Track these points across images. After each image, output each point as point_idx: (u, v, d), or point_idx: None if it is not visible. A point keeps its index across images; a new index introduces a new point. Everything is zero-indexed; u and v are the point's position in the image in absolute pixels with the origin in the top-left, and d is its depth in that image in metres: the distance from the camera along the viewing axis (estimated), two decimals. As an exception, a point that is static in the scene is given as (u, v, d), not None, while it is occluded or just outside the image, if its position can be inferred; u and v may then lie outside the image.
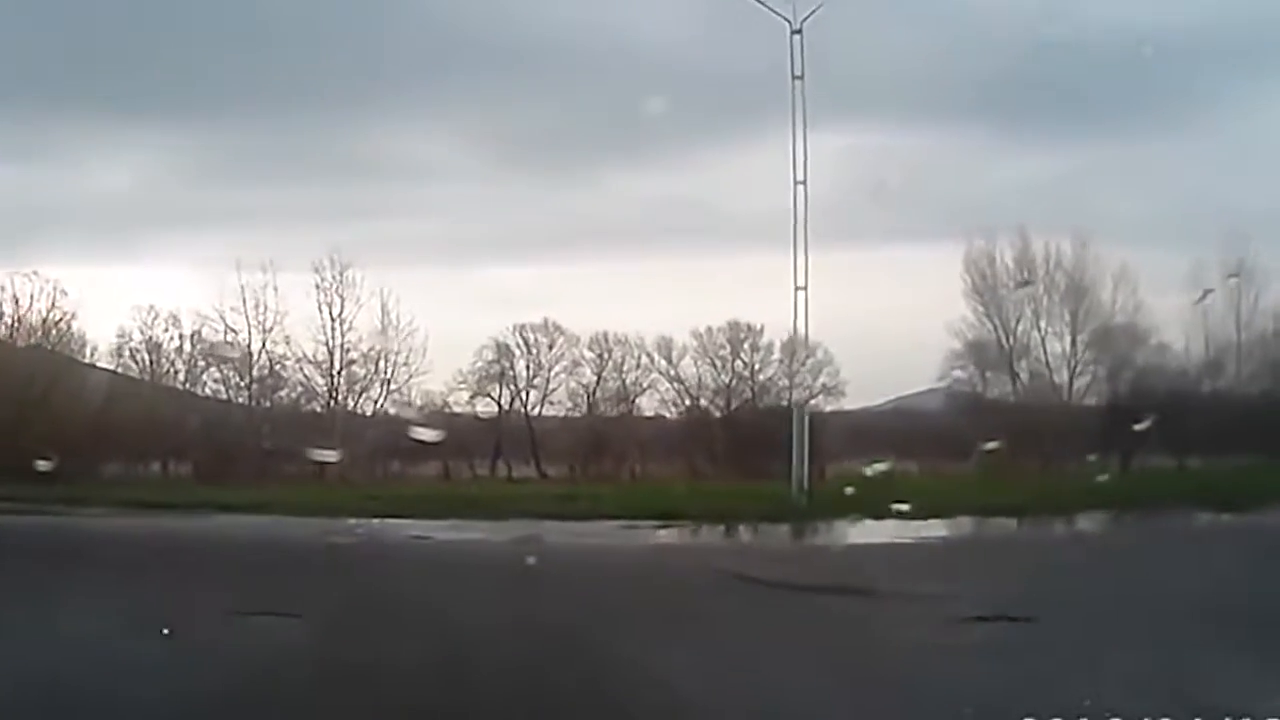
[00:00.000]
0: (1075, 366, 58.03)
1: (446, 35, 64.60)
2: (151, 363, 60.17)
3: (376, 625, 15.77)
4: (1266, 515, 32.01)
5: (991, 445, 44.55)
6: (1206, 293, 52.64)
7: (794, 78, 38.47)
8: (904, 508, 31.11)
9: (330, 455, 48.44)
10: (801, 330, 39.10)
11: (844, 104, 39.33)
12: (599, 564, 23.65)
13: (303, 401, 60.21)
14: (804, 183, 38.85)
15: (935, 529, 32.40)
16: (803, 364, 38.58)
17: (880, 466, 37.75)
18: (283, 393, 60.20)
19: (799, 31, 38.39)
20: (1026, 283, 55.52)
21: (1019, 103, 61.02)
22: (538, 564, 22.17)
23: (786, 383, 59.54)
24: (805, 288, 38.71)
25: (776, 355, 58.89)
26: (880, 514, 33.09)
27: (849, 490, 35.22)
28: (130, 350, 59.37)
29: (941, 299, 57.70)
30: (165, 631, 14.79)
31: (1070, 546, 27.97)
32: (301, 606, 16.74)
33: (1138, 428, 39.46)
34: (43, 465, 32.99)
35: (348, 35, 61.20)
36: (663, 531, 32.75)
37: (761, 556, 26.66)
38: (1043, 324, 58.18)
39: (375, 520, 34.54)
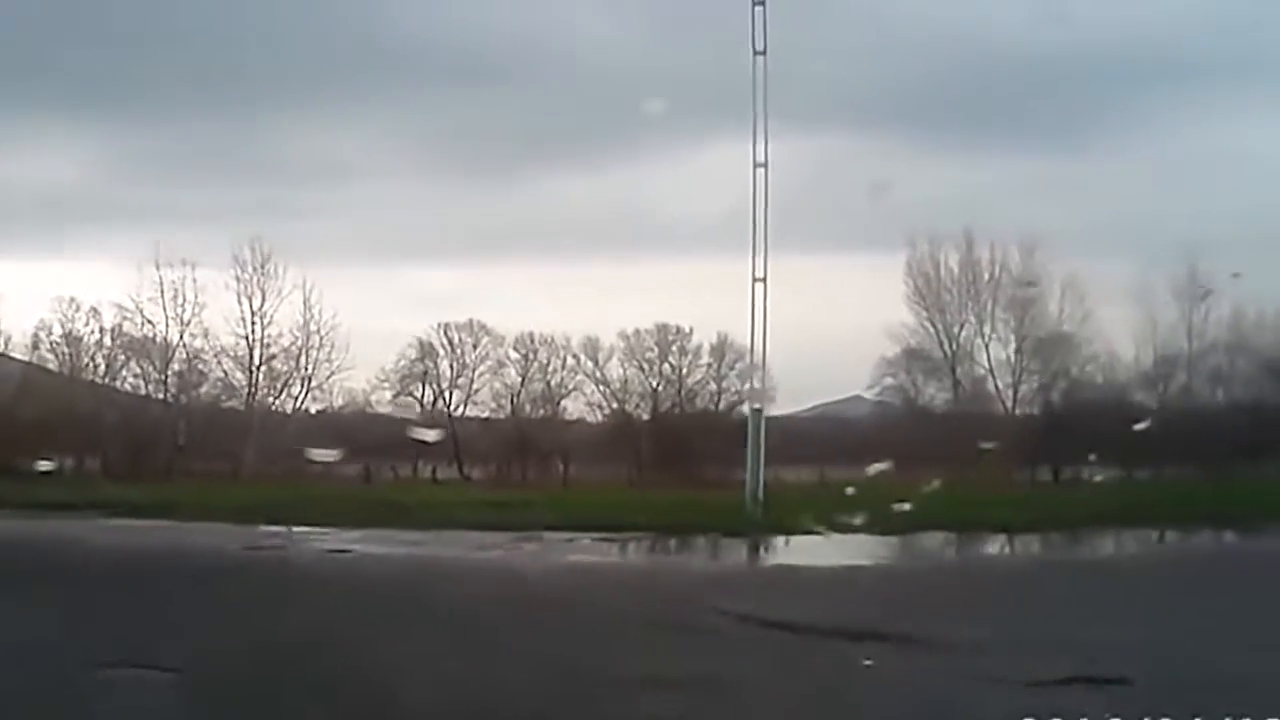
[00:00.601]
0: (1019, 374, 54.40)
1: (374, 36, 65.95)
2: (70, 356, 59.53)
3: (280, 691, 11.13)
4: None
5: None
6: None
7: (755, 53, 34.09)
8: (857, 521, 27.83)
9: (330, 455, 45.82)
10: (759, 325, 33.70)
11: (782, 112, 34.53)
12: (556, 592, 18.96)
13: (223, 398, 57.31)
14: (765, 165, 34.25)
15: (913, 547, 29.01)
16: (762, 362, 33.89)
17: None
18: (203, 389, 57.23)
19: (761, 3, 33.91)
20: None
21: (966, 112, 64.37)
22: (477, 591, 17.72)
23: (715, 387, 57.97)
24: (765, 279, 34.12)
25: (705, 359, 58.82)
26: (840, 527, 29.24)
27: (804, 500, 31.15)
28: (49, 343, 58.90)
29: (881, 305, 55.11)
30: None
31: (1078, 571, 23.49)
32: (184, 654, 12.09)
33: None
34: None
35: (274, 35, 63.89)
36: (613, 546, 28.76)
37: (738, 582, 22.23)
38: (986, 330, 54.90)
39: (290, 528, 30.47)
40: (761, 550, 29.11)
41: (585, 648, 13.33)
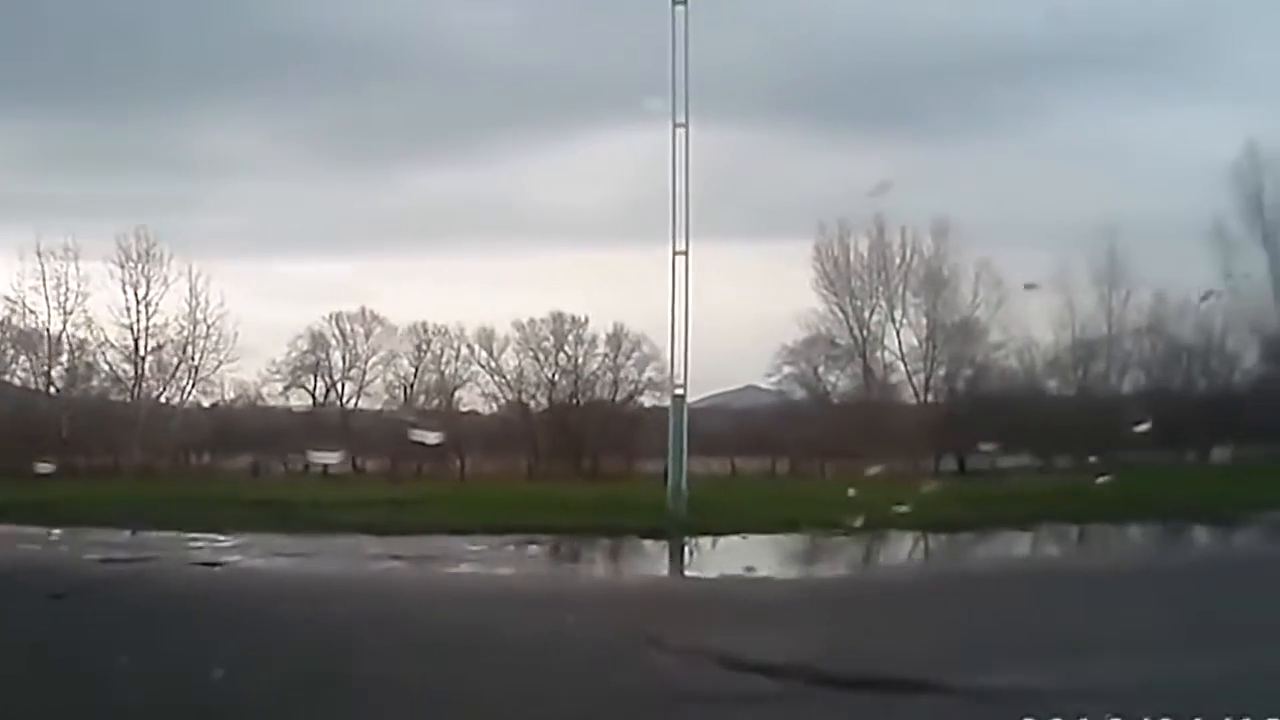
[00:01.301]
0: (930, 361, 51.01)
1: (263, 30, 62.45)
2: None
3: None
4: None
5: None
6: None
7: (674, 3, 29.81)
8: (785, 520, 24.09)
9: (331, 456, 44.29)
10: (681, 301, 29.63)
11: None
12: (458, 623, 14.47)
13: (113, 391, 53.36)
14: (685, 125, 30.14)
15: (852, 550, 24.66)
16: (684, 341, 29.54)
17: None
18: (93, 382, 53.22)
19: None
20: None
21: (874, 102, 60.37)
22: (356, 628, 13.39)
23: (612, 377, 55.05)
24: (686, 252, 30.02)
25: (602, 348, 55.59)
26: (769, 528, 25.62)
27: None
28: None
29: (790, 294, 52.15)
30: None
31: (1061, 580, 19.45)
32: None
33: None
34: None
35: (160, 28, 59.02)
36: (522, 553, 24.48)
37: (678, 600, 17.74)
38: (897, 315, 51.37)
39: (166, 533, 26.25)
40: (691, 555, 25.08)
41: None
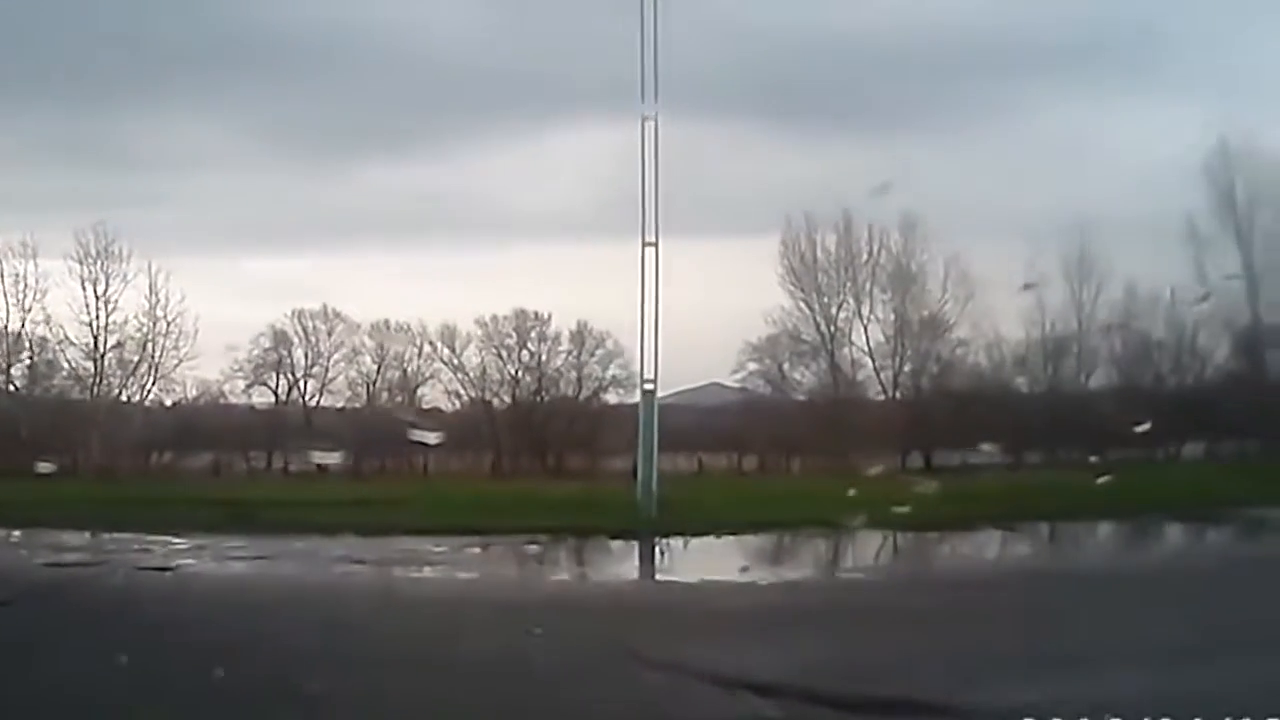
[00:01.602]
0: (899, 358, 50.08)
1: (223, 26, 60.98)
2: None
3: None
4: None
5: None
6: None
7: (646, -14, 28.78)
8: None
9: (331, 457, 43.65)
10: (651, 293, 28.50)
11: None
12: (422, 634, 13.24)
13: (75, 390, 52.48)
14: (654, 115, 29.04)
15: (830, 550, 23.85)
16: (655, 334, 28.44)
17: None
18: (54, 380, 52.01)
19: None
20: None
21: (837, 99, 59.83)
22: (310, 639, 12.21)
23: (576, 374, 54.23)
24: (656, 244, 28.84)
25: (565, 345, 54.75)
26: (742, 527, 24.59)
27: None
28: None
29: (757, 290, 51.98)
30: None
31: (1051, 583, 18.34)
32: None
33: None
34: None
35: (117, 23, 56.06)
36: (487, 556, 23.36)
37: (665, 610, 16.16)
38: (864, 311, 50.38)
39: (125, 535, 25.11)
40: (665, 557, 23.92)
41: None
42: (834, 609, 15.57)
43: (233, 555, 22.07)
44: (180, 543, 23.48)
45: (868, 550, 24.35)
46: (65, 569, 19.62)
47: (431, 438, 42.17)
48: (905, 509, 24.31)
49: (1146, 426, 34.89)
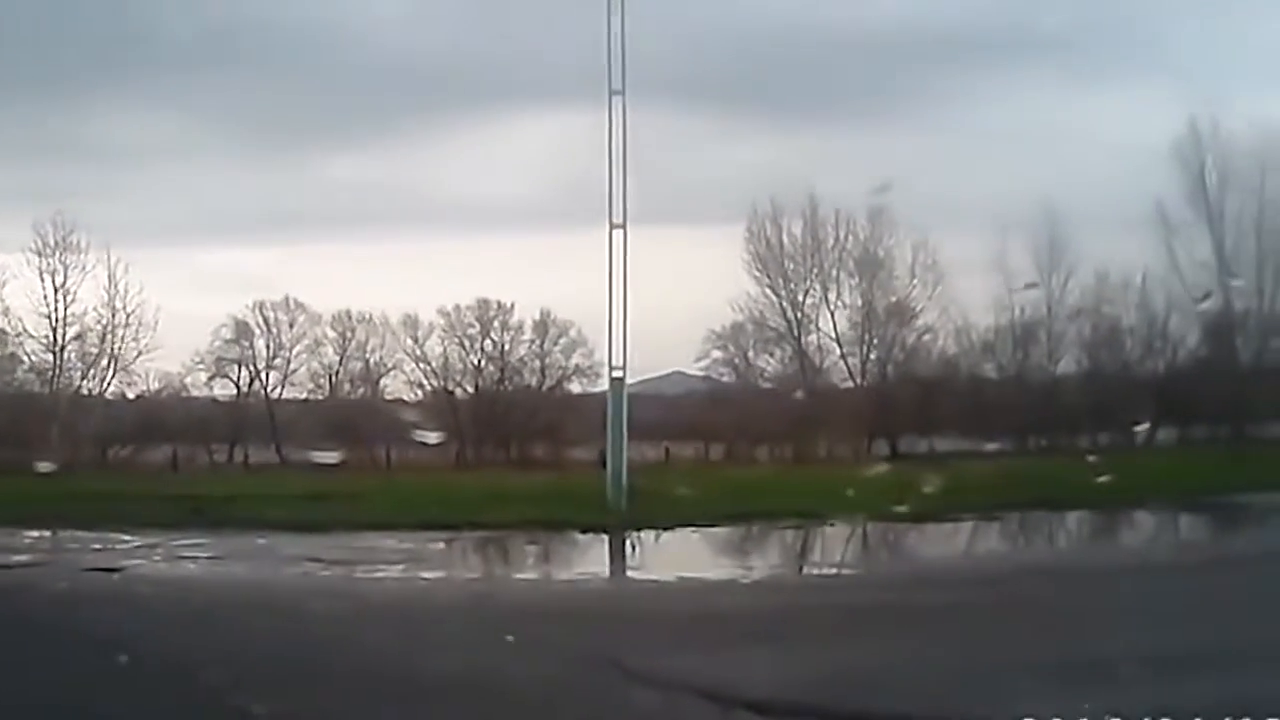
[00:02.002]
0: (866, 345, 48.95)
1: (180, 16, 58.46)
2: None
3: None
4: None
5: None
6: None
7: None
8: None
9: (331, 456, 41.45)
10: (620, 276, 27.17)
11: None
12: (385, 643, 11.94)
13: (35, 383, 50.94)
14: (622, 93, 27.69)
15: (813, 543, 22.70)
16: (623, 319, 27.08)
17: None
18: (16, 374, 50.64)
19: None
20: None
21: (802, 85, 57.57)
22: (262, 649, 10.94)
23: (539, 363, 52.73)
24: (624, 226, 27.47)
25: (528, 335, 52.64)
26: (715, 520, 23.49)
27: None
28: None
29: (723, 278, 50.16)
30: None
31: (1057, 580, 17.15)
32: None
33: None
34: None
35: (74, 14, 54.58)
36: (453, 552, 22.13)
37: (646, 613, 14.80)
38: (831, 298, 49.20)
39: (71, 531, 24.01)
40: (639, 553, 22.61)
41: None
42: (820, 609, 14.40)
43: (185, 554, 20.72)
44: (132, 540, 22.11)
45: (843, 543, 23.24)
46: (6, 570, 18.36)
47: (432, 437, 41.39)
48: (879, 499, 23.36)
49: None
